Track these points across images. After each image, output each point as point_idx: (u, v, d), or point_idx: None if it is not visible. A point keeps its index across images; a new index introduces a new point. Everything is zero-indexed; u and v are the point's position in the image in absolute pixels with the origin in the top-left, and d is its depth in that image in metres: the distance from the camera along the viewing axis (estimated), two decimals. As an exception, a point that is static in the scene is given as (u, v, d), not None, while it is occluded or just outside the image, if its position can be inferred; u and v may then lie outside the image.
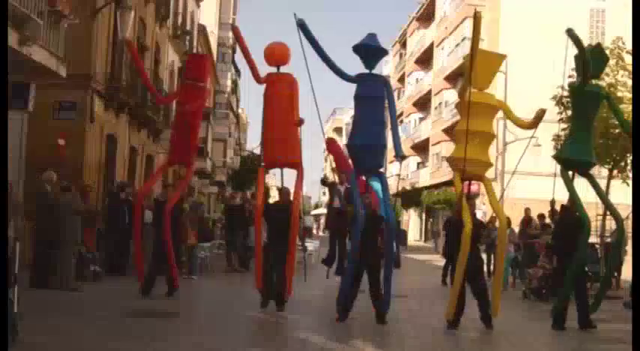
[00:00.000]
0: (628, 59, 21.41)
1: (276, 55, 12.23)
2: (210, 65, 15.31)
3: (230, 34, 53.05)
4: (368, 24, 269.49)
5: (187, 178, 14.38)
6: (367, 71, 11.69)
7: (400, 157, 11.67)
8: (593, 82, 12.12)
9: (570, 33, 10.42)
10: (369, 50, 11.67)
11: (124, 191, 16.40)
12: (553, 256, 15.16)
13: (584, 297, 11.31)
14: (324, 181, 16.09)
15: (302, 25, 10.99)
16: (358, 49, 11.58)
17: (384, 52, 12.24)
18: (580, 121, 11.66)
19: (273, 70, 12.26)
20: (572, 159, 11.47)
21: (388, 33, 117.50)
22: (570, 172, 11.61)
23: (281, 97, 12.02)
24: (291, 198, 12.37)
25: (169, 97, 14.19)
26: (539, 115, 11.13)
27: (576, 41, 10.52)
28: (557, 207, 12.14)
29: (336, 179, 15.63)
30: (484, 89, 11.69)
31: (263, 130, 12.14)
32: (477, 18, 10.35)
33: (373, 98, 11.57)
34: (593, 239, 15.67)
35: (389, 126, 13.12)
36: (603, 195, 11.44)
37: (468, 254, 10.55)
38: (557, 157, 11.81)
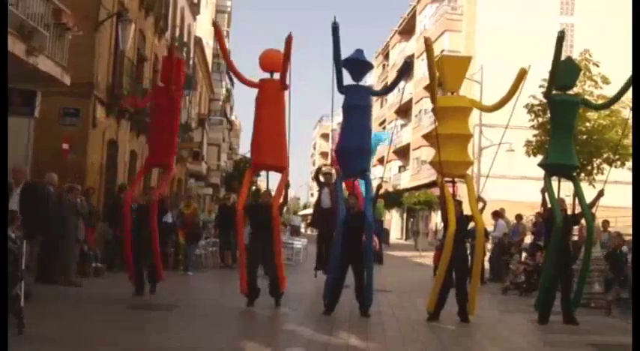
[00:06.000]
0: (595, 70, 21.67)
1: (271, 61, 11.92)
2: (183, 67, 14.78)
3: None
4: (353, 38, 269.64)
5: (167, 180, 13.72)
6: (354, 83, 11.75)
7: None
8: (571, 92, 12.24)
9: (560, 36, 10.48)
10: (357, 64, 11.72)
11: (122, 193, 16.43)
12: (535, 254, 15.28)
13: (568, 293, 11.28)
14: (317, 176, 15.90)
15: (335, 29, 10.84)
16: (347, 62, 11.58)
17: (370, 66, 12.38)
18: (560, 128, 11.57)
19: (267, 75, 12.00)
20: (556, 164, 11.42)
21: (372, 45, 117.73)
22: (555, 177, 11.64)
23: (271, 104, 11.76)
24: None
25: (144, 100, 13.67)
26: (521, 74, 11.09)
27: (559, 46, 10.56)
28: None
29: (322, 179, 15.64)
30: (455, 92, 11.77)
31: (253, 133, 11.90)
32: (428, 44, 11.11)
33: (359, 107, 11.63)
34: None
35: (373, 132, 13.20)
36: (583, 199, 11.43)
37: (456, 250, 10.60)
38: (542, 164, 11.74)
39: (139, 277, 11.92)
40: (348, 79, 11.68)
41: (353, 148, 11.47)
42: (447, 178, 11.44)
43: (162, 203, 12.61)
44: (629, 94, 11.27)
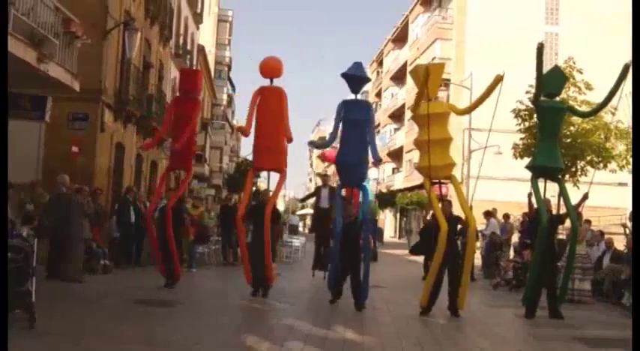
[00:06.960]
0: (578, 77, 21.68)
1: (270, 68, 12.24)
2: (203, 78, 15.20)
3: (226, 53, 53.05)
4: (349, 46, 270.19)
5: (186, 181, 14.15)
6: (353, 96, 12.01)
7: (377, 160, 11.82)
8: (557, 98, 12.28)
9: (539, 47, 10.50)
10: (355, 78, 11.95)
11: (129, 194, 16.45)
12: (522, 252, 15.27)
13: (553, 289, 11.30)
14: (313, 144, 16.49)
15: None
16: (345, 76, 11.84)
17: (367, 80, 12.67)
18: (546, 132, 11.62)
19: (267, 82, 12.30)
20: (542, 166, 11.45)
21: (367, 53, 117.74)
22: (542, 179, 11.65)
23: (271, 109, 12.00)
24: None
25: (165, 123, 13.68)
26: (497, 80, 10.93)
27: (539, 56, 10.58)
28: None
29: (320, 182, 15.75)
30: (434, 98, 11.88)
31: (255, 137, 12.14)
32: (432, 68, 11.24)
33: (359, 121, 11.76)
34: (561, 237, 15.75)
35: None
36: (568, 199, 11.46)
37: (448, 248, 10.61)
38: (530, 167, 11.77)
39: (168, 271, 12.58)
40: (347, 91, 11.91)
41: (351, 161, 11.71)
42: (434, 180, 11.48)
43: (180, 202, 13.17)
44: (612, 101, 11.27)
